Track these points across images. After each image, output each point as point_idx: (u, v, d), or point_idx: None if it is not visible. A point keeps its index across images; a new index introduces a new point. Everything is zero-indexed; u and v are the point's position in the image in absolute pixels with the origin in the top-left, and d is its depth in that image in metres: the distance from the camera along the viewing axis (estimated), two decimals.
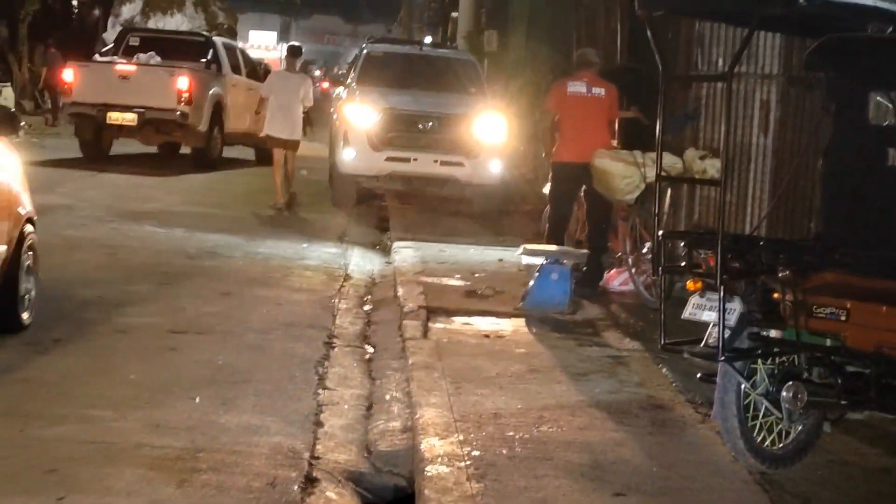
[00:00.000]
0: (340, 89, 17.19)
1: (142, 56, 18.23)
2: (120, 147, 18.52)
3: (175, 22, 29.13)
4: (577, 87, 9.68)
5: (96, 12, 29.28)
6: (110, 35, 27.87)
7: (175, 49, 18.95)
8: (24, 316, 7.10)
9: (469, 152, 14.54)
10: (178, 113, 17.12)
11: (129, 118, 17.10)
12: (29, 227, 7.26)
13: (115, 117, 17.12)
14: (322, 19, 75.57)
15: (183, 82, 17.19)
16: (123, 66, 17.72)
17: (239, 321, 7.95)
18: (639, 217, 9.47)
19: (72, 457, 5.01)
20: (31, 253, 7.26)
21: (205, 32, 22.38)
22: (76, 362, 6.53)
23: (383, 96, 14.82)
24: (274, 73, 16.66)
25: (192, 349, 7.07)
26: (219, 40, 19.99)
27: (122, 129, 17.51)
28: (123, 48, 19.09)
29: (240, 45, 22.81)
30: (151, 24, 28.56)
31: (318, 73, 51.42)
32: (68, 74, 17.68)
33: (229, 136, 18.71)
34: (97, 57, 19.61)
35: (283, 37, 69.11)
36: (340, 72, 30.08)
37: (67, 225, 9.90)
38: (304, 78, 15.09)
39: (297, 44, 16.00)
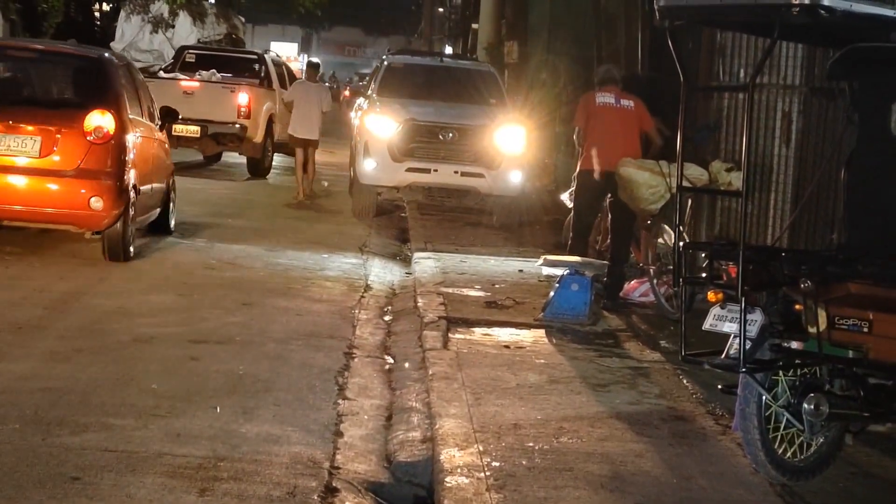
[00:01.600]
0: (361, 100, 17.27)
1: (203, 73, 19.43)
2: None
3: (185, 31, 28.96)
4: (605, 98, 9.72)
5: (116, 24, 29.45)
6: (118, 45, 27.90)
7: (227, 65, 20.32)
8: (172, 225, 12.02)
9: (489, 163, 14.54)
10: (238, 126, 18.51)
11: (193, 130, 18.29)
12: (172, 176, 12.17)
13: (179, 129, 17.95)
14: (343, 31, 75.79)
15: (243, 98, 18.60)
16: (188, 83, 18.97)
17: (259, 331, 7.97)
18: (662, 228, 9.45)
19: (94, 465, 5.03)
20: (174, 190, 12.09)
21: (257, 50, 23.42)
22: (98, 371, 6.56)
23: (404, 107, 14.85)
24: (297, 82, 18.51)
25: (213, 359, 7.09)
26: (268, 57, 21.14)
27: (180, 140, 18.32)
28: (180, 64, 20.42)
29: (283, 59, 24.04)
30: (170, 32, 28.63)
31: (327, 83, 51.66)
32: None
33: (276, 145, 19.86)
34: (161, 73, 20.55)
35: (304, 48, 69.34)
36: (361, 83, 30.11)
37: (90, 237, 10.36)
38: (322, 87, 17.48)
39: (315, 60, 19.12)
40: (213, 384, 6.51)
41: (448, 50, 34.70)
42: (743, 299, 5.06)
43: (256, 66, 20.21)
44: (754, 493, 5.23)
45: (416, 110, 14.80)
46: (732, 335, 5.21)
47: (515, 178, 14.68)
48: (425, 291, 9.78)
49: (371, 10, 67.32)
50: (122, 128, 9.83)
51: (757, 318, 5.19)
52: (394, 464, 5.66)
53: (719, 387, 5.75)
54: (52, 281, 9.00)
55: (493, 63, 19.98)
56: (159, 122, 11.62)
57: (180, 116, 14.80)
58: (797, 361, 5.35)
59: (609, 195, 9.73)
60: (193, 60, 20.43)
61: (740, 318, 5.07)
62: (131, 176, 9.97)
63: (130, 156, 9.97)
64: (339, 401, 6.49)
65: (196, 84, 18.95)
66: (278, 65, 21.27)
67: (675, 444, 5.87)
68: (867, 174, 5.70)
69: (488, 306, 9.29)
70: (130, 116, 10.18)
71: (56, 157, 9.61)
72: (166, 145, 12.13)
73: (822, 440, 5.43)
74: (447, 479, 5.11)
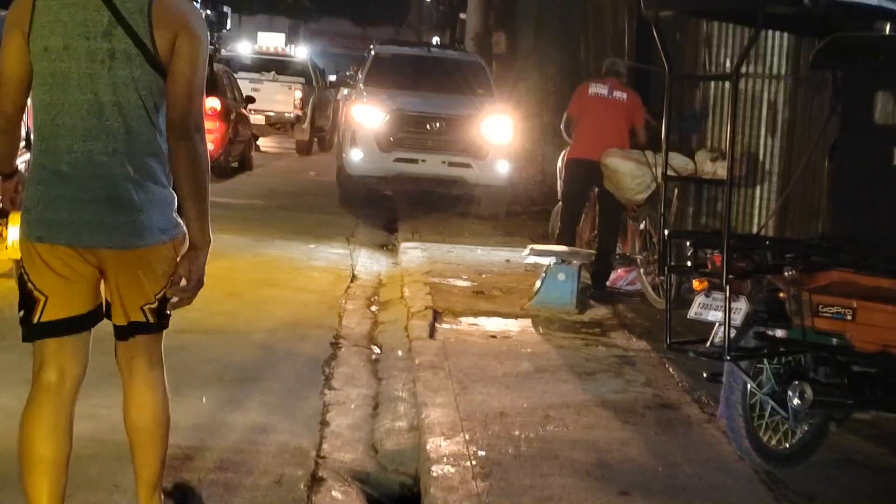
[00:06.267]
0: (348, 91, 17.26)
1: (265, 73, 25.33)
2: None
3: None
4: (599, 88, 9.77)
5: None
6: None
7: (277, 66, 26.19)
8: (251, 165, 20.17)
9: (477, 153, 14.55)
10: (294, 115, 24.74)
11: (259, 119, 23.48)
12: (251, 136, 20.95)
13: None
14: (331, 22, 75.44)
15: (298, 94, 24.91)
16: (255, 83, 24.30)
17: (246, 321, 7.97)
18: (649, 217, 9.48)
19: (80, 454, 5.00)
20: (252, 144, 21.03)
21: (301, 55, 29.74)
22: None
23: (391, 97, 14.85)
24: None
25: (200, 348, 7.09)
26: (307, 60, 27.58)
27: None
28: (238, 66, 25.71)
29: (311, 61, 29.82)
30: None
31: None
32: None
33: (315, 129, 25.49)
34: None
35: (291, 39, 69.04)
36: (348, 73, 30.46)
37: None
38: None
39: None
40: (199, 374, 6.51)
41: (436, 40, 34.65)
42: (727, 287, 5.07)
43: (300, 67, 26.52)
44: (739, 480, 5.26)
45: (404, 100, 14.79)
46: (717, 323, 5.23)
47: (503, 168, 14.70)
48: (412, 281, 9.79)
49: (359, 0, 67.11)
50: (224, 107, 17.43)
51: (742, 307, 5.22)
52: (380, 452, 5.67)
53: (704, 375, 5.77)
54: None
55: (480, 53, 19.99)
56: (244, 104, 19.52)
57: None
58: (781, 349, 5.37)
59: (596, 186, 9.76)
60: (249, 63, 26.50)
61: (725, 306, 5.09)
62: (228, 133, 17.55)
63: (227, 122, 17.39)
64: (326, 390, 6.50)
65: (261, 83, 24.48)
66: (314, 66, 27.37)
67: (660, 431, 5.90)
68: (851, 163, 5.73)
69: (475, 296, 9.31)
70: (229, 100, 17.81)
71: None
72: (248, 118, 19.76)
73: (806, 428, 5.46)
74: (433, 467, 5.13)
